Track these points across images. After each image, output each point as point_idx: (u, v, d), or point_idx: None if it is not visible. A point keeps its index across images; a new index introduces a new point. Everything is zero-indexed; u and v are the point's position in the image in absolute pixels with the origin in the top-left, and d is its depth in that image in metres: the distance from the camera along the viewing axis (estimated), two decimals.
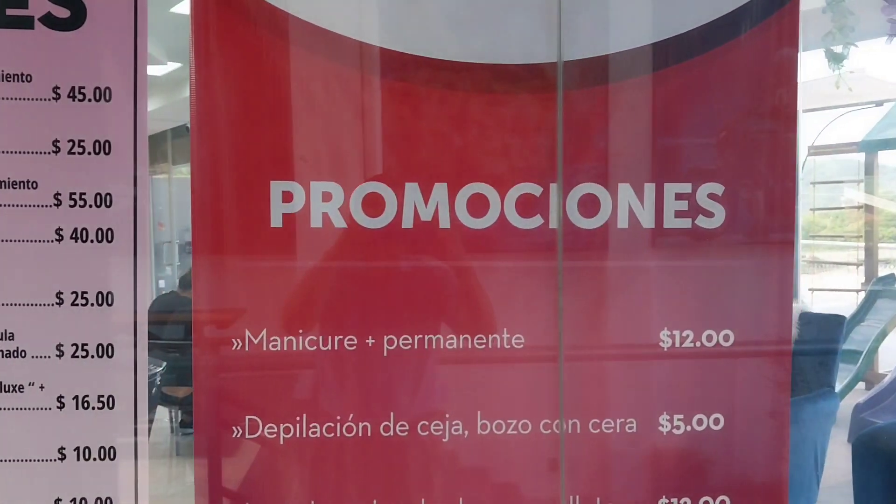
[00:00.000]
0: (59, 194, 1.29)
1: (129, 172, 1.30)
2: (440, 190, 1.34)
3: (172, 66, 6.75)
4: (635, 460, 1.42)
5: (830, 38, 4.08)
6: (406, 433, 1.37)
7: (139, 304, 1.32)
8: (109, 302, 1.31)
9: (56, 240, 1.29)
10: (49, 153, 1.29)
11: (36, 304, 1.30)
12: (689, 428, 1.40)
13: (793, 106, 1.39)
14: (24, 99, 1.28)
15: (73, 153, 1.29)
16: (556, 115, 1.36)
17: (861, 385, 6.29)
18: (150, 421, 3.54)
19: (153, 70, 6.72)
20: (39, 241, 1.29)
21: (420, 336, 1.36)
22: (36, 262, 1.30)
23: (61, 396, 1.32)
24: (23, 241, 1.29)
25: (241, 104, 1.32)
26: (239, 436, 1.34)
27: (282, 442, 1.35)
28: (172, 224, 9.91)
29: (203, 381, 1.35)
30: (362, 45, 1.33)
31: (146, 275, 1.31)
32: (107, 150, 1.30)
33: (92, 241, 1.30)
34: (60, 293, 1.30)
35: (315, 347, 1.34)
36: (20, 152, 1.28)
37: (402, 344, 1.36)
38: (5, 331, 1.29)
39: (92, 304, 1.31)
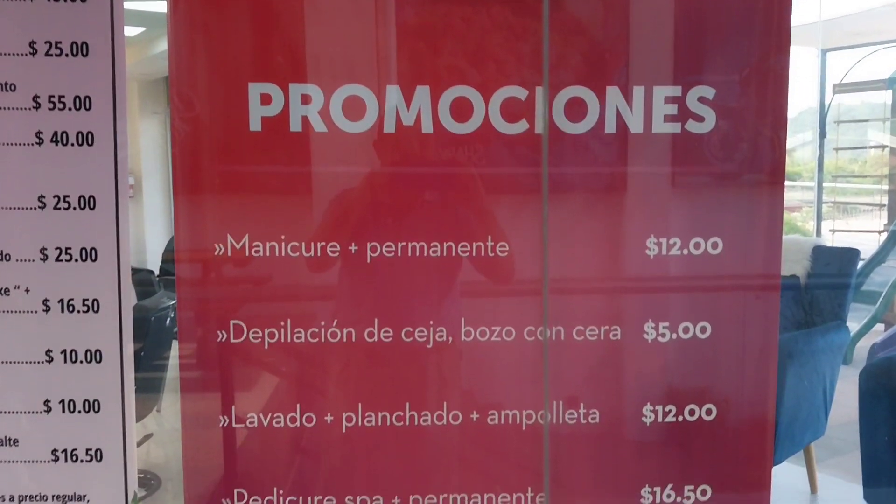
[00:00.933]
0: (38, 97, 1.28)
1: (108, 74, 1.29)
2: (422, 93, 1.32)
3: None
4: (619, 368, 1.41)
5: None
6: (390, 339, 1.37)
7: (121, 208, 1.32)
8: (91, 206, 1.31)
9: (36, 143, 1.29)
10: (26, 55, 1.27)
11: (18, 208, 1.30)
12: (674, 336, 1.39)
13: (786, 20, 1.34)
14: None
15: (51, 55, 1.28)
16: (542, 17, 1.32)
17: (879, 326, 6.23)
18: (167, 357, 3.60)
19: None
20: (20, 144, 1.29)
21: (404, 244, 1.35)
22: (17, 165, 1.29)
23: (47, 300, 1.33)
24: (3, 144, 1.28)
25: (217, 6, 1.30)
26: (224, 340, 1.35)
27: (266, 346, 1.36)
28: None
29: (186, 291, 1.35)
30: None
31: (126, 177, 1.31)
32: (84, 52, 1.28)
33: (72, 145, 1.30)
34: (42, 197, 1.30)
35: (298, 254, 1.34)
36: None
37: (386, 251, 1.35)
38: None
39: (74, 208, 1.31)
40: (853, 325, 5.83)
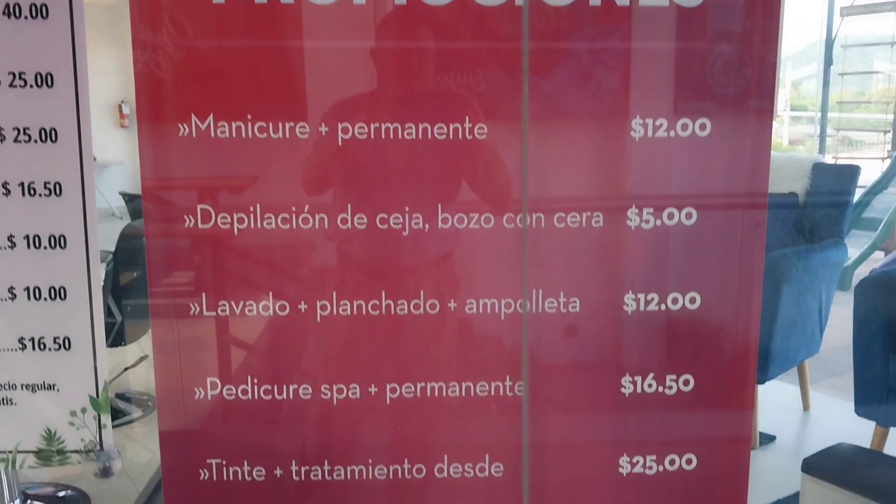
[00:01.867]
0: None
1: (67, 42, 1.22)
2: None
3: None
4: (601, 257, 1.37)
5: None
6: (364, 226, 1.32)
7: (84, 141, 1.26)
8: (53, 138, 1.25)
9: None
10: None
11: None
12: (658, 222, 1.34)
13: None
14: None
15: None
16: None
17: (879, 254, 6.18)
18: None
19: None
20: None
21: (377, 125, 1.29)
22: None
23: (11, 236, 1.29)
24: None
25: None
26: (191, 226, 1.30)
27: (236, 233, 1.31)
28: None
29: (150, 166, 1.29)
30: None
31: (88, 113, 1.25)
32: (44, 14, 1.21)
33: (32, 87, 1.24)
34: (1, 129, 1.25)
35: (265, 135, 1.28)
36: None
37: (358, 133, 1.29)
38: None
39: (36, 141, 1.26)
40: (853, 252, 5.79)
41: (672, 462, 1.42)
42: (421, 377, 1.38)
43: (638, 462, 1.41)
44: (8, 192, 1.27)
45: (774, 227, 3.48)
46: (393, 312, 1.35)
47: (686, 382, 1.39)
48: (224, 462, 1.39)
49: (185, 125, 1.27)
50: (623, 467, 1.41)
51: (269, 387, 1.37)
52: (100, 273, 1.33)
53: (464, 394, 1.39)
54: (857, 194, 6.09)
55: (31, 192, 1.28)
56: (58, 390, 1.34)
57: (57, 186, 1.27)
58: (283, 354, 1.38)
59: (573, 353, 1.39)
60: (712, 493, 1.43)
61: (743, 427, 1.40)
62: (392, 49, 1.29)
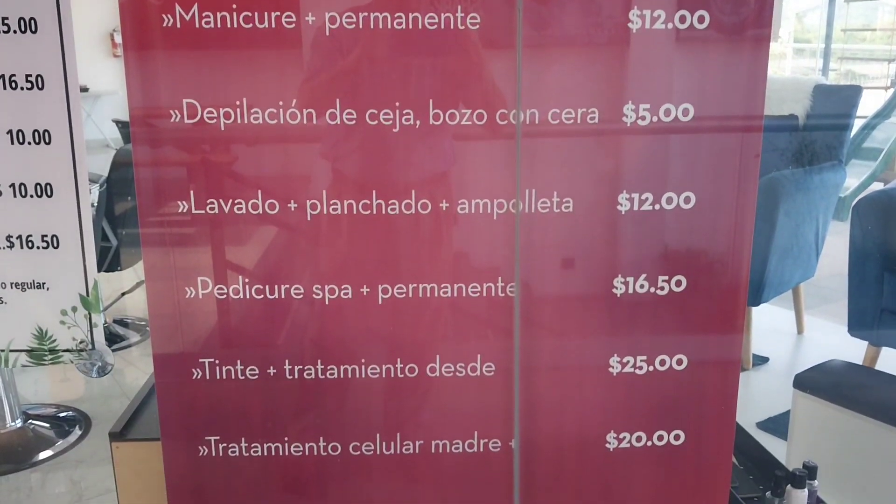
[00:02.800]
0: None
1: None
2: None
3: None
4: (596, 155, 1.35)
5: None
6: (354, 121, 1.29)
7: (65, 31, 1.22)
8: (33, 29, 1.21)
9: None
10: None
11: None
12: (655, 119, 1.31)
13: None
14: None
15: None
16: None
17: (878, 185, 6.15)
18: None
19: None
20: None
21: (365, 14, 1.25)
22: None
23: None
24: None
25: None
26: (178, 121, 1.28)
27: (223, 128, 1.28)
28: None
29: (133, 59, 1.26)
30: None
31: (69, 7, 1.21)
32: None
33: (16, 32, 1.19)
34: None
35: (251, 25, 1.24)
36: None
37: (346, 22, 1.25)
38: None
39: (14, 32, 1.21)
40: (852, 182, 5.76)
41: (662, 362, 1.42)
42: (413, 278, 1.37)
43: (628, 362, 1.42)
44: None
45: (772, 150, 3.44)
46: (384, 212, 1.34)
47: (678, 283, 1.39)
48: (217, 361, 1.39)
49: (168, 15, 1.23)
50: (613, 367, 1.42)
51: (261, 286, 1.36)
52: (86, 170, 1.30)
53: (456, 294, 1.38)
54: (859, 125, 6.03)
55: (13, 85, 1.25)
56: (48, 289, 1.33)
57: (39, 79, 1.24)
58: (274, 254, 1.37)
59: (566, 253, 1.38)
60: (703, 392, 1.44)
61: (735, 326, 1.39)
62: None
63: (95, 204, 2.79)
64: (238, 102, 1.27)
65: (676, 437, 1.45)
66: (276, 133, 1.29)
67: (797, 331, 3.69)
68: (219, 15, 1.23)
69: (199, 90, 1.27)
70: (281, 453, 1.44)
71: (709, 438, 1.46)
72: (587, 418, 1.45)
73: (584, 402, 1.45)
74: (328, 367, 1.40)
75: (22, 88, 1.24)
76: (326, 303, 1.37)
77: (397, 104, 1.29)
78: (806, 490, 1.58)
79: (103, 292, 4.81)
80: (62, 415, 3.38)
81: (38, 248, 1.30)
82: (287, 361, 1.40)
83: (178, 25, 1.23)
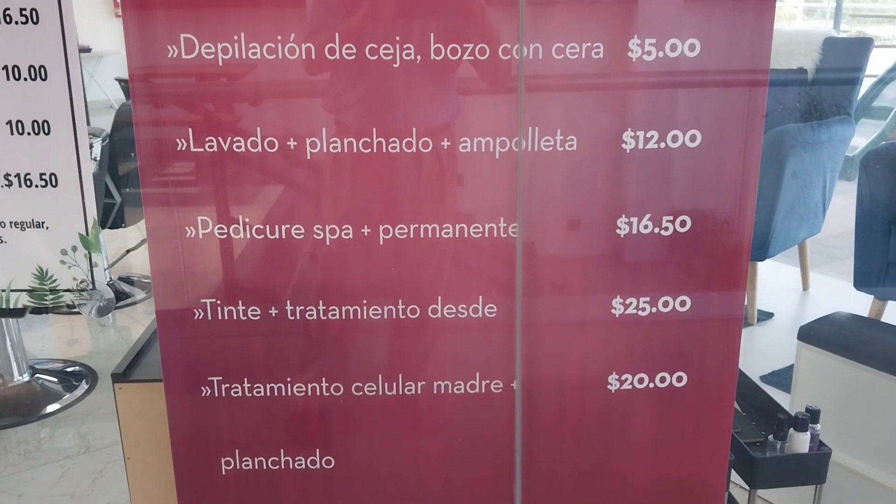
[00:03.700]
0: None
1: None
2: None
3: None
4: (601, 91, 1.32)
5: None
6: (353, 56, 1.27)
7: None
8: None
9: None
10: None
11: None
12: (661, 54, 1.29)
13: None
14: None
15: None
16: None
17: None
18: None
19: None
20: None
21: None
22: None
23: None
24: None
25: None
26: (175, 56, 1.26)
27: (221, 63, 1.27)
28: None
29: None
30: None
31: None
32: None
33: None
34: None
35: None
36: None
37: None
38: None
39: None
40: (861, 141, 5.70)
41: (666, 304, 1.41)
42: (414, 218, 1.36)
43: (631, 304, 1.41)
44: None
45: (781, 109, 3.40)
46: (385, 150, 1.32)
47: (683, 224, 1.37)
48: (218, 302, 1.39)
49: None
50: (616, 309, 1.41)
51: (262, 227, 1.35)
52: (83, 108, 1.29)
53: (457, 235, 1.37)
54: (869, 84, 5.95)
55: (7, 19, 1.23)
56: (47, 228, 1.33)
57: (34, 13, 1.22)
58: (274, 194, 1.36)
59: (569, 192, 1.36)
60: (706, 334, 1.43)
61: (739, 267, 1.38)
62: None
63: (98, 158, 2.78)
64: (236, 37, 1.25)
65: (679, 379, 1.45)
66: (275, 70, 1.27)
67: (802, 287, 3.67)
68: None
69: (197, 27, 1.25)
70: (283, 394, 1.44)
71: (711, 380, 1.45)
72: (589, 360, 1.45)
73: (586, 345, 1.44)
74: (330, 309, 1.40)
75: (17, 23, 1.22)
76: (328, 243, 1.36)
77: (397, 38, 1.27)
78: (808, 433, 1.58)
79: (108, 250, 4.81)
80: (69, 369, 3.41)
81: (36, 186, 1.29)
82: (289, 302, 1.39)
83: None
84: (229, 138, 1.30)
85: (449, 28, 1.27)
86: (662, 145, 1.33)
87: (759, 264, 3.25)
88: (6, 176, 1.29)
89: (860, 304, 2.90)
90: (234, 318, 1.39)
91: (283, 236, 1.36)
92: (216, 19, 1.25)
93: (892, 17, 8.24)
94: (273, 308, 1.39)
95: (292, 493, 1.50)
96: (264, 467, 1.48)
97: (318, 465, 1.48)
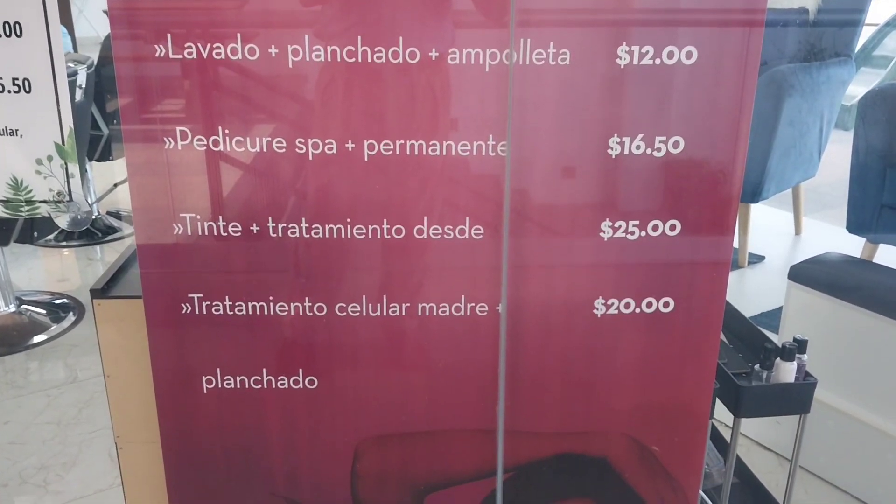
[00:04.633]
0: None
1: None
2: None
3: None
4: (597, 1, 1.28)
5: None
6: None
7: None
8: None
9: None
10: None
11: None
12: None
13: None
14: None
15: None
16: None
17: None
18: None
19: None
20: None
21: None
22: None
23: None
24: None
25: None
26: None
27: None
28: None
29: None
30: None
31: None
32: None
33: None
34: None
35: None
36: None
37: None
38: None
39: None
40: (860, 90, 5.64)
41: (655, 228, 1.39)
42: (400, 134, 1.32)
43: (620, 227, 1.39)
44: None
45: (780, 55, 3.34)
46: (370, 61, 1.28)
47: (675, 144, 1.34)
48: (198, 217, 1.36)
49: None
50: (605, 231, 1.39)
51: (241, 139, 1.31)
52: (56, 11, 1.23)
53: (444, 153, 1.34)
54: (870, 33, 5.86)
55: None
56: (21, 136, 1.28)
57: None
58: (255, 103, 1.31)
59: (560, 108, 1.32)
60: (695, 259, 1.41)
61: (731, 192, 1.35)
62: None
63: (84, 86, 2.72)
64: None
65: (666, 305, 1.43)
66: None
67: (795, 232, 3.66)
68: None
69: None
70: (266, 313, 1.42)
71: (699, 307, 1.44)
72: (576, 284, 1.43)
73: (572, 268, 1.42)
74: (312, 226, 1.37)
75: None
76: (310, 157, 1.32)
77: None
78: (795, 363, 1.57)
79: (96, 184, 4.77)
80: (56, 301, 3.39)
81: (8, 91, 1.25)
82: (270, 219, 1.36)
83: None
84: (209, 44, 1.25)
85: None
86: (658, 61, 1.29)
87: (752, 208, 3.23)
88: None
89: (852, 247, 2.88)
90: (215, 233, 1.36)
91: (265, 149, 1.32)
92: None
93: None
94: (254, 224, 1.36)
95: (275, 412, 1.49)
96: (246, 386, 1.47)
97: (300, 385, 1.47)
